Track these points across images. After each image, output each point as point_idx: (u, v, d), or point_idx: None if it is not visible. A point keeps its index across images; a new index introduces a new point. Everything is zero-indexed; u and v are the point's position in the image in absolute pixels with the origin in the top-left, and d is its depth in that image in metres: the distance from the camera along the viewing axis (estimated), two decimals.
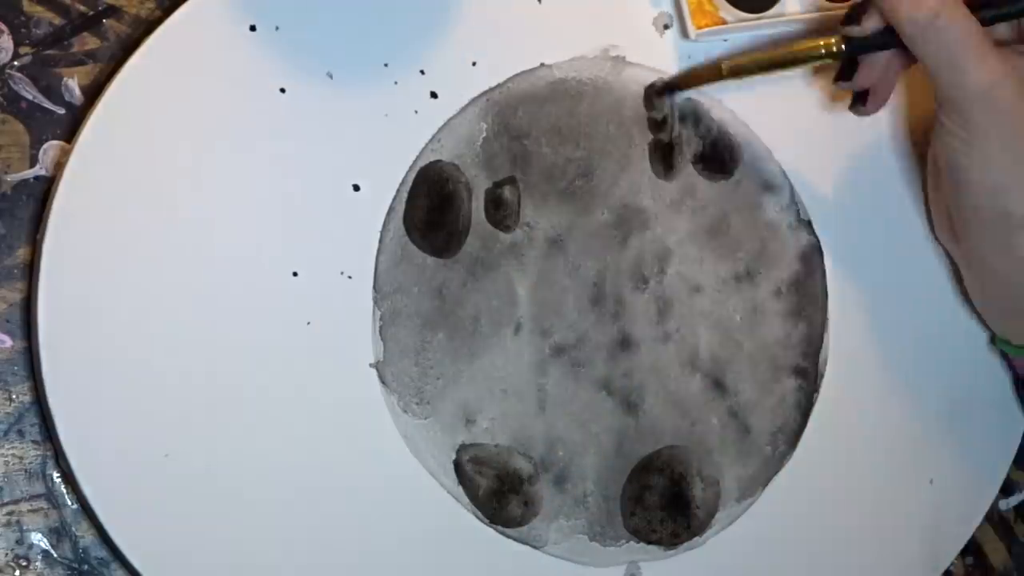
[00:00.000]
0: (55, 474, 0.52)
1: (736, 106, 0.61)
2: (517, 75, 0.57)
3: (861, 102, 0.58)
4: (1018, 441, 0.65)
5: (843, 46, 0.56)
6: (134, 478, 0.50)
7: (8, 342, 0.52)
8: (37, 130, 0.52)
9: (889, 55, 0.56)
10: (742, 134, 0.61)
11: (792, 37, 0.60)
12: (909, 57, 0.56)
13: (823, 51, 0.56)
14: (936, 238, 0.62)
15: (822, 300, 0.62)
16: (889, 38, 0.54)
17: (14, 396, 0.52)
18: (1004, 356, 0.63)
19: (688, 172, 0.60)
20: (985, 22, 0.54)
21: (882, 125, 0.64)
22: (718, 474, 0.60)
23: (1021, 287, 0.57)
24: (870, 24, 0.55)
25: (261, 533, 0.52)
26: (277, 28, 0.54)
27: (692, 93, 0.60)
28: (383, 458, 0.54)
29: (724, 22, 0.59)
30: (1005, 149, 0.54)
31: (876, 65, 0.57)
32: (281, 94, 0.54)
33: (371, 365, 0.54)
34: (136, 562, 0.50)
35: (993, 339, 0.63)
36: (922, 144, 0.62)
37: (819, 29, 0.60)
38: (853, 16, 0.55)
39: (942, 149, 0.56)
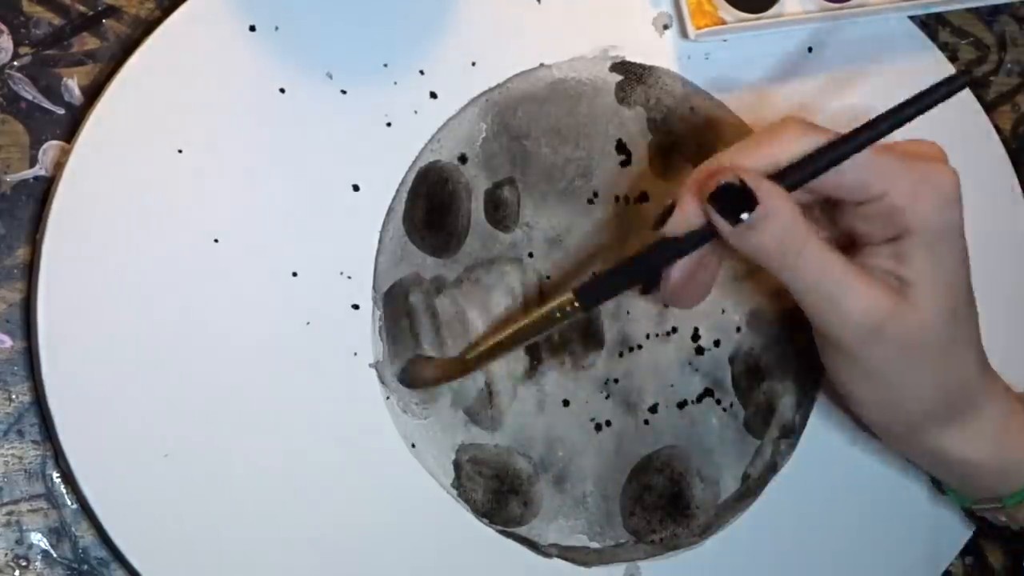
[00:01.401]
0: (55, 474, 0.52)
1: (737, 106, 0.61)
2: (517, 75, 0.57)
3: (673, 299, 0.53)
4: None
5: (576, 303, 0.51)
6: (134, 478, 0.50)
7: (8, 342, 0.52)
8: (37, 130, 0.52)
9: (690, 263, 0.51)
10: (742, 134, 0.61)
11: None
12: (724, 252, 0.52)
13: (558, 314, 0.52)
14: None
15: None
16: (685, 245, 0.50)
17: (14, 396, 0.52)
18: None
19: (688, 172, 0.60)
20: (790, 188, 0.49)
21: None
22: (718, 474, 0.60)
23: (941, 469, 0.57)
24: (676, 221, 0.50)
25: (261, 533, 0.52)
26: (277, 28, 0.54)
27: (697, 88, 0.60)
28: (383, 458, 0.54)
29: (724, 22, 0.59)
30: (895, 370, 0.52)
31: (677, 280, 0.52)
32: (281, 94, 0.54)
33: (371, 365, 0.54)
34: (136, 562, 0.50)
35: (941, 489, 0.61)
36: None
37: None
38: (664, 215, 0.50)
39: (827, 366, 0.54)
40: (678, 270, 0.51)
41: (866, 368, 0.52)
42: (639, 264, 0.51)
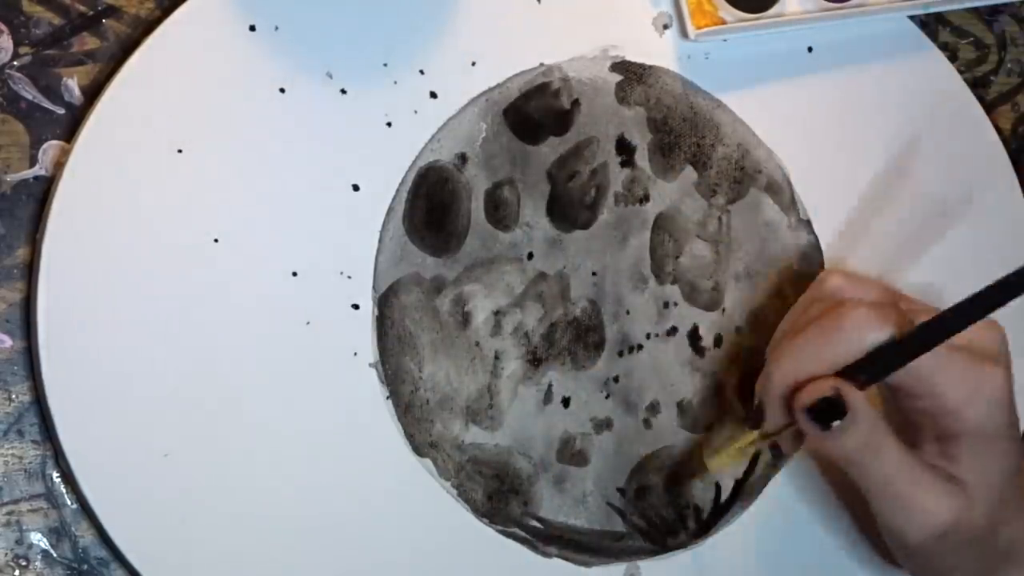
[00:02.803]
0: (55, 474, 0.52)
1: (737, 106, 0.61)
2: (517, 75, 0.57)
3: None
4: None
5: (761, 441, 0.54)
6: (134, 478, 0.50)
7: (8, 342, 0.52)
8: (37, 130, 0.52)
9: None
10: (741, 134, 0.61)
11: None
12: None
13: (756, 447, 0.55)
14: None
15: None
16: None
17: (14, 396, 0.52)
18: None
19: (688, 172, 0.60)
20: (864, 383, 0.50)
21: (882, 125, 0.64)
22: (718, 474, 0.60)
23: None
24: (772, 424, 0.53)
25: (260, 533, 0.52)
26: (277, 28, 0.54)
27: (707, 91, 0.60)
28: (383, 458, 0.54)
29: (724, 22, 0.59)
30: (956, 557, 0.53)
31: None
32: (281, 94, 0.54)
33: (371, 365, 0.54)
34: (136, 562, 0.50)
35: None
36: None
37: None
38: (756, 418, 0.53)
39: (890, 549, 0.55)
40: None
41: (930, 559, 0.53)
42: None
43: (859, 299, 0.52)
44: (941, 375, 0.51)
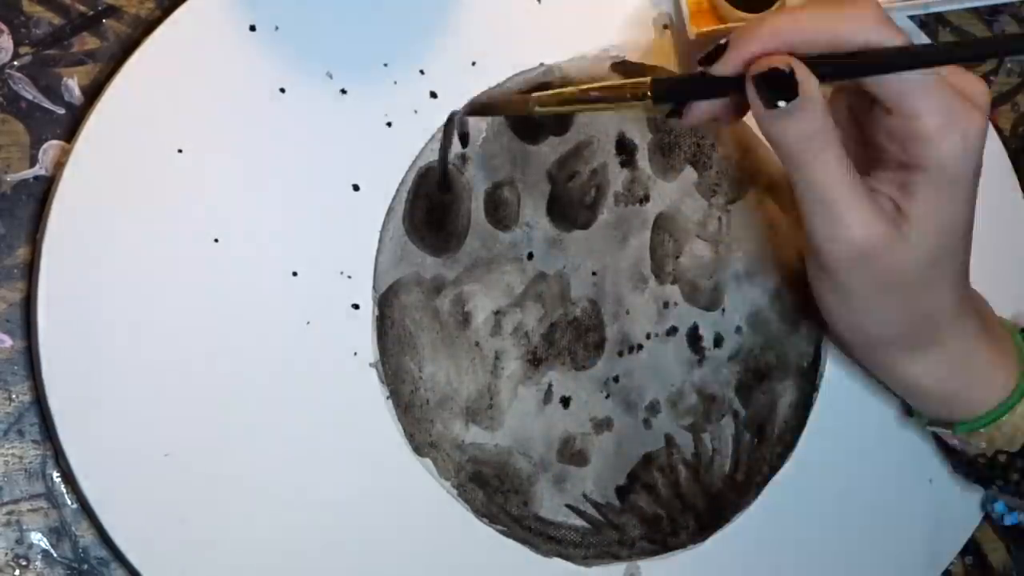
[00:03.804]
0: (55, 474, 0.52)
1: None
2: (517, 75, 0.57)
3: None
4: None
5: (649, 92, 0.50)
6: (134, 478, 0.50)
7: (8, 342, 0.52)
8: (37, 130, 0.52)
9: (718, 104, 0.51)
10: (741, 134, 0.61)
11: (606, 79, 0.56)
12: (742, 109, 0.51)
13: (628, 94, 0.51)
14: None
15: None
16: (718, 88, 0.50)
17: (14, 396, 0.52)
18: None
19: (688, 172, 0.60)
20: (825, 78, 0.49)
21: None
22: (718, 473, 0.60)
23: (901, 391, 0.58)
24: (720, 68, 0.50)
25: (261, 533, 0.52)
26: (277, 28, 0.54)
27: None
28: (383, 458, 0.54)
29: (723, 22, 0.59)
30: (869, 295, 0.53)
31: (704, 111, 0.52)
32: (281, 94, 0.54)
33: (371, 365, 0.54)
34: (136, 562, 0.50)
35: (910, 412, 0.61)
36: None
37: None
38: (712, 56, 0.50)
39: (809, 274, 0.55)
40: (706, 105, 0.51)
41: (843, 287, 0.53)
42: (694, 83, 0.51)
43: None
44: (923, 97, 0.49)
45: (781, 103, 0.48)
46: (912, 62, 0.49)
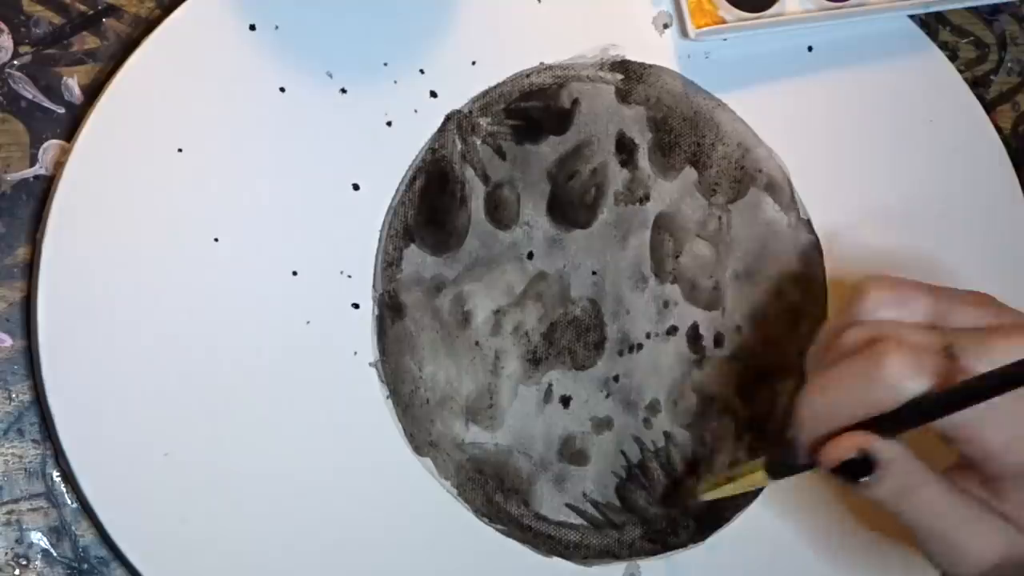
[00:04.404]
0: (55, 473, 0.52)
1: (737, 106, 0.61)
2: (517, 75, 0.57)
3: None
4: None
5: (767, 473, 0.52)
6: (134, 477, 0.50)
7: (8, 341, 0.52)
8: (37, 129, 0.52)
9: None
10: (741, 133, 0.61)
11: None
12: None
13: (758, 484, 0.53)
14: None
15: (822, 299, 0.62)
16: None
17: (14, 395, 0.52)
18: None
19: (688, 171, 0.60)
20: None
21: (882, 124, 0.64)
22: (718, 473, 0.60)
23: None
24: (800, 460, 0.50)
25: (261, 532, 0.52)
26: (277, 27, 0.54)
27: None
28: (383, 458, 0.54)
29: (724, 21, 0.59)
30: None
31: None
32: (281, 93, 0.54)
33: (371, 365, 0.54)
34: (136, 562, 0.50)
35: None
36: None
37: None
38: (786, 454, 0.50)
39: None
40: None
41: None
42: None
43: (899, 337, 0.49)
44: (979, 420, 0.49)
45: (864, 479, 0.48)
46: (968, 397, 0.47)
